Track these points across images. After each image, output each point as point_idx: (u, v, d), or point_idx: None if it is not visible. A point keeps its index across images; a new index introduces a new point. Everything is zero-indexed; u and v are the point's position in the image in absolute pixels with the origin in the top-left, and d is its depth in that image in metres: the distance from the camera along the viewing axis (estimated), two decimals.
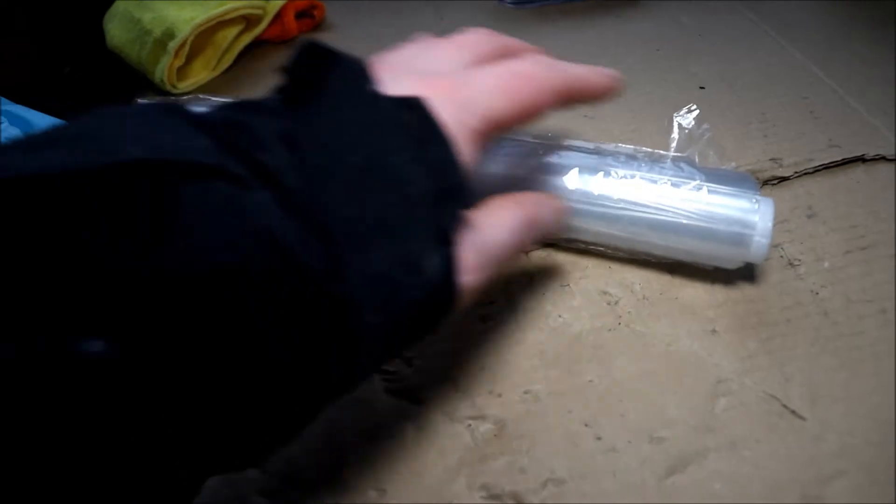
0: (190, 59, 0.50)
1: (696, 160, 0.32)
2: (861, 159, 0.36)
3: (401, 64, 0.24)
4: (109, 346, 0.14)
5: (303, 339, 0.17)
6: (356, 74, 0.21)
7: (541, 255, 0.33)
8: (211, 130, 0.17)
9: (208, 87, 0.51)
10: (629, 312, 0.31)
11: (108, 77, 0.53)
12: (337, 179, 0.18)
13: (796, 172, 0.36)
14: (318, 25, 0.56)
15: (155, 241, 0.15)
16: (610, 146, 0.34)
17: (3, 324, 0.13)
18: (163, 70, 0.48)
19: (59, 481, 0.15)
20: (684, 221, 0.29)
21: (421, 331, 0.21)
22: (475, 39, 0.26)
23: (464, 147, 0.21)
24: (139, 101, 0.42)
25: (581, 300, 0.31)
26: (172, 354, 0.15)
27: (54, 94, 0.51)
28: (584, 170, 0.31)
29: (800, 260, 0.32)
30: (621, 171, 0.30)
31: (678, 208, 0.29)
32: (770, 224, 0.29)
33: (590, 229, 0.31)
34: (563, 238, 0.33)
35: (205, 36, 0.49)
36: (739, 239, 0.29)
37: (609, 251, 0.32)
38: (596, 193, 0.30)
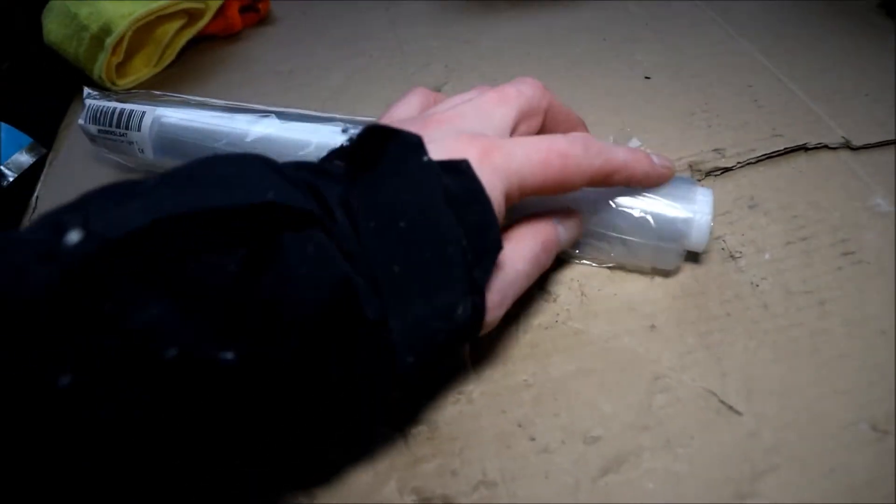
0: (130, 55, 0.48)
1: None
2: (804, 148, 0.36)
3: (448, 121, 0.26)
4: (237, 358, 0.18)
5: (356, 371, 0.21)
6: (411, 146, 0.23)
7: None
8: (300, 185, 0.21)
9: (151, 84, 0.50)
10: (567, 310, 0.30)
11: (47, 73, 0.52)
12: (387, 240, 0.21)
13: (739, 163, 0.35)
14: (263, 20, 0.55)
15: (268, 270, 0.18)
16: None
17: (169, 330, 0.17)
18: (101, 67, 0.46)
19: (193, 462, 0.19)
20: (627, 212, 0.29)
21: (444, 361, 0.27)
22: (522, 94, 0.28)
23: (497, 207, 0.23)
24: (87, 90, 0.40)
25: None
26: (270, 367, 0.19)
27: None
28: None
29: (741, 252, 0.32)
30: None
31: (617, 203, 0.29)
32: (709, 206, 0.29)
33: None
34: None
35: (144, 31, 0.48)
36: (679, 227, 0.29)
37: None
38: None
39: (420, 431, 0.27)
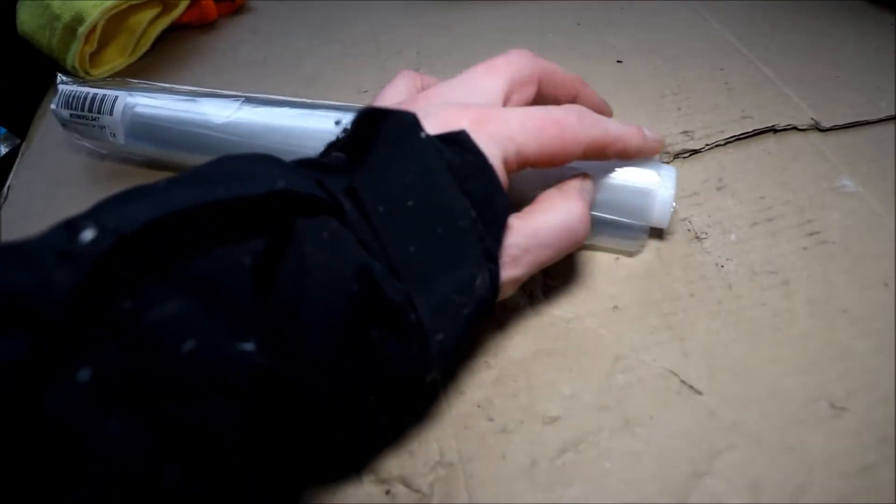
0: (103, 44, 0.48)
1: None
2: (772, 130, 0.36)
3: (438, 95, 0.26)
4: (258, 350, 0.17)
5: (390, 354, 0.21)
6: (406, 125, 0.23)
7: None
8: (308, 177, 0.20)
9: (125, 74, 0.49)
10: (529, 291, 0.30)
11: (21, 64, 0.51)
12: (398, 222, 0.21)
13: (707, 145, 0.35)
14: (239, 9, 0.54)
15: (285, 258, 0.19)
16: None
17: (187, 324, 0.17)
18: (74, 57, 0.46)
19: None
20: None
21: (469, 336, 0.27)
22: (511, 64, 0.28)
23: (499, 174, 0.23)
24: (60, 76, 0.40)
25: None
26: (300, 360, 0.19)
27: None
28: None
29: (707, 233, 0.32)
30: None
31: None
32: (672, 181, 0.29)
33: None
34: None
35: (117, 20, 0.48)
36: (642, 201, 0.29)
37: None
38: None
39: None
